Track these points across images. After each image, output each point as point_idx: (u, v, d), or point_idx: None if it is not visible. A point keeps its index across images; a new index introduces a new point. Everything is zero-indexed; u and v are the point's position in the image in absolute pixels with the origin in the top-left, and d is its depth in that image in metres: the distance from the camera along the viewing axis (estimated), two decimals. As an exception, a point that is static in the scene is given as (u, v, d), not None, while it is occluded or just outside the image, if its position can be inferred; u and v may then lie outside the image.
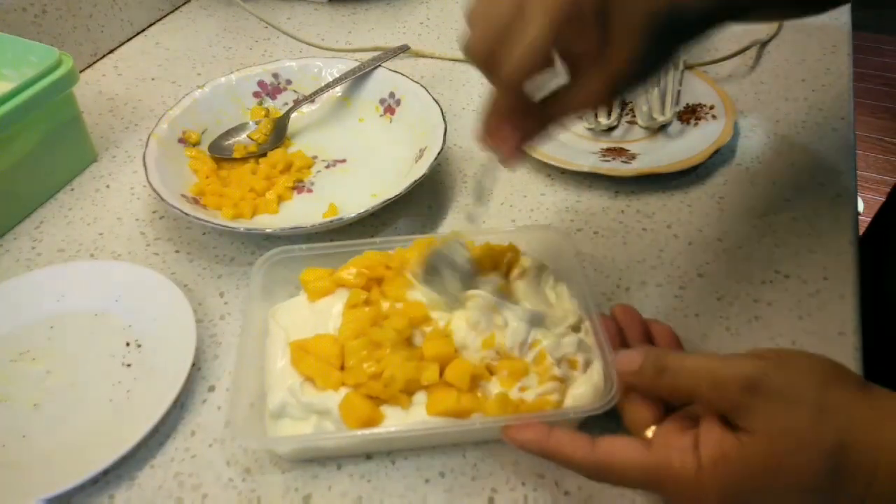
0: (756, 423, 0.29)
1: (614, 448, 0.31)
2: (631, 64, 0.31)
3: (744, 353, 0.32)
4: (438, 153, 0.51)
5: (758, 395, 0.29)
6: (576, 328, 0.39)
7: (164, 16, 0.80)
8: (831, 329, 0.43)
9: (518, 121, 0.33)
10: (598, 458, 0.31)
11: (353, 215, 0.47)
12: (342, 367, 0.37)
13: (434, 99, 0.57)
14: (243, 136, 0.59)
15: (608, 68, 0.31)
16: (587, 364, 0.37)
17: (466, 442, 0.38)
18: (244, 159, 0.57)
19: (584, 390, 0.36)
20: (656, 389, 0.33)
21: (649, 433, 0.33)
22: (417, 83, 0.59)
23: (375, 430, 0.35)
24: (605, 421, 0.35)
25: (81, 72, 0.70)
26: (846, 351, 0.42)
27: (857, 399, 0.29)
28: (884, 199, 0.65)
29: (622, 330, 0.39)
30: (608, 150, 0.58)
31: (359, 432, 0.35)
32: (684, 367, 0.32)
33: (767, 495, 0.29)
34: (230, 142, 0.58)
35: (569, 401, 0.36)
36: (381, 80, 0.61)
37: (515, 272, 0.41)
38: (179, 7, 0.82)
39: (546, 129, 0.34)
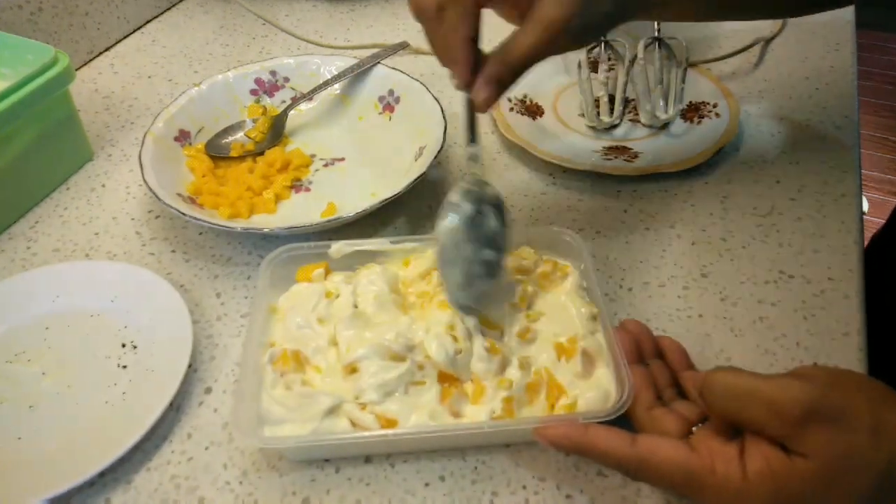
0: (812, 448, 0.28)
1: (657, 445, 0.31)
2: (563, 15, 0.33)
3: (788, 373, 0.31)
4: (438, 151, 0.51)
5: (815, 422, 0.28)
6: (591, 321, 0.39)
7: (161, 13, 0.80)
8: (836, 329, 0.43)
9: (482, 67, 0.35)
10: (639, 454, 0.31)
11: (351, 215, 0.47)
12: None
13: (434, 97, 0.56)
14: (240, 135, 0.58)
15: (540, 17, 0.33)
16: (592, 363, 0.37)
17: (468, 446, 0.38)
18: (241, 158, 0.57)
19: (593, 395, 0.36)
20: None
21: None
22: (417, 81, 0.58)
23: (384, 432, 0.35)
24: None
25: (77, 70, 0.70)
26: (850, 351, 0.42)
27: None
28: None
29: (637, 343, 0.38)
30: (610, 148, 0.57)
31: (367, 434, 0.35)
32: (735, 389, 0.30)
33: None
34: (227, 140, 0.58)
35: (580, 405, 0.36)
36: (380, 78, 0.61)
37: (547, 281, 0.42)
38: (176, 4, 0.81)
39: (504, 73, 0.35)
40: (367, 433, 0.35)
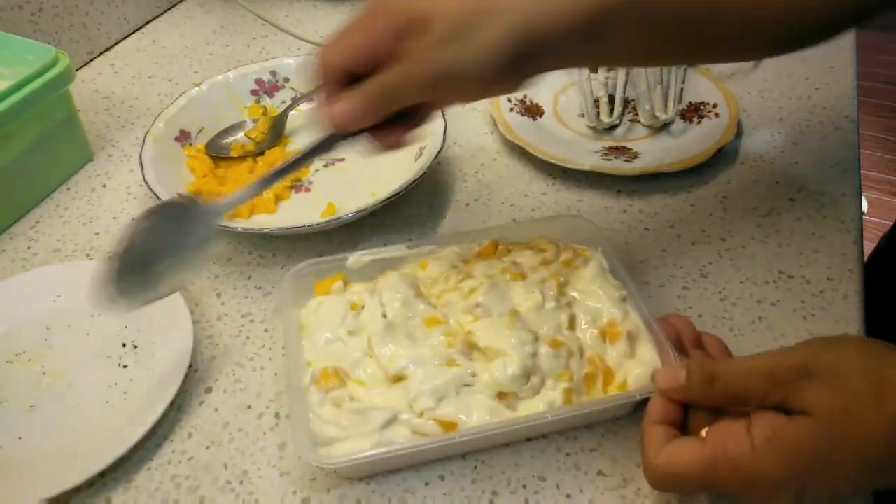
0: (811, 403, 0.29)
1: (673, 451, 0.32)
2: (408, 70, 0.33)
3: (789, 346, 0.32)
4: (438, 152, 0.51)
5: (810, 378, 0.30)
6: (622, 303, 0.40)
7: (162, 13, 0.80)
8: (836, 330, 0.43)
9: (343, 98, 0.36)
10: (659, 465, 0.32)
11: (351, 214, 0.47)
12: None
13: (434, 97, 0.56)
14: (241, 135, 0.58)
15: (408, 53, 0.34)
16: (635, 342, 0.38)
17: (523, 439, 0.38)
18: (242, 158, 0.57)
19: (641, 372, 0.37)
20: (708, 399, 0.33)
21: (704, 433, 0.33)
22: (417, 81, 0.58)
23: (452, 435, 0.35)
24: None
25: (78, 70, 0.70)
26: (851, 352, 0.42)
27: None
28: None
29: (678, 335, 0.38)
30: (610, 148, 0.57)
31: (434, 440, 0.35)
32: (735, 371, 0.32)
33: (829, 470, 0.29)
34: (227, 140, 0.58)
35: (631, 384, 0.37)
36: (381, 78, 0.61)
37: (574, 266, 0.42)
38: (176, 4, 0.81)
39: (363, 106, 0.35)
40: (433, 439, 0.34)
